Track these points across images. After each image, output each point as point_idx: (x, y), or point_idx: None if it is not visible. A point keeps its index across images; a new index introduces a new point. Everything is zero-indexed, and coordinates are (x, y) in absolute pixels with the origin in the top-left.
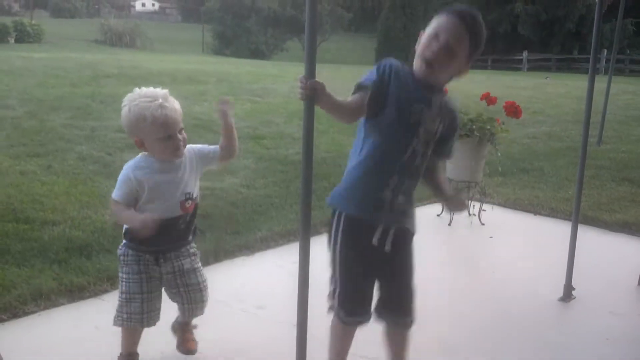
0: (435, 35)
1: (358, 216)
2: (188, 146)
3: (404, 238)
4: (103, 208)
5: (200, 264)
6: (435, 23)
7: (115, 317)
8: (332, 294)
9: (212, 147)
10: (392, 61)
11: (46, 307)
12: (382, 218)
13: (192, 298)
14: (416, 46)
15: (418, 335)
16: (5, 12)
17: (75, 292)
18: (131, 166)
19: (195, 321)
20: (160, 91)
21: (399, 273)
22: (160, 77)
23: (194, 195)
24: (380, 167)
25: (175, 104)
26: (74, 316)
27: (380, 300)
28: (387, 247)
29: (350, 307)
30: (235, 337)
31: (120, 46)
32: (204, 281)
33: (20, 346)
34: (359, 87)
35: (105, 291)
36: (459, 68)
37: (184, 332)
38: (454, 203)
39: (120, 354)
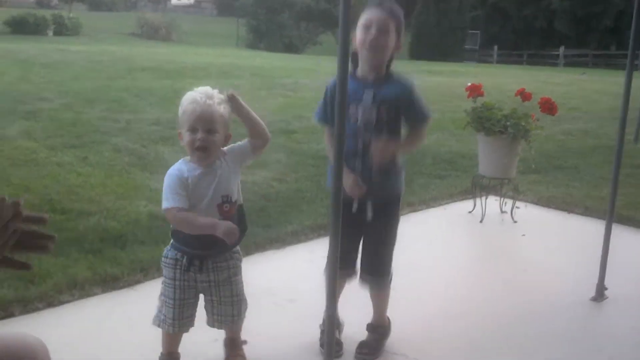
0: (366, 27)
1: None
2: (227, 150)
3: (380, 208)
4: (138, 199)
5: (239, 276)
6: (363, 17)
7: (154, 316)
8: None
9: (241, 142)
10: (331, 81)
11: (80, 297)
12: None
13: (221, 310)
14: (354, 45)
15: (446, 330)
16: (44, 5)
17: (109, 282)
18: (173, 168)
19: (245, 337)
20: (210, 90)
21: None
22: (194, 71)
23: (233, 199)
24: (346, 156)
25: (219, 107)
26: (108, 306)
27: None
28: (368, 216)
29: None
30: (266, 330)
31: (156, 39)
32: (238, 295)
33: (55, 335)
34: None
35: (138, 282)
36: (395, 47)
37: (231, 347)
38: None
39: (161, 353)
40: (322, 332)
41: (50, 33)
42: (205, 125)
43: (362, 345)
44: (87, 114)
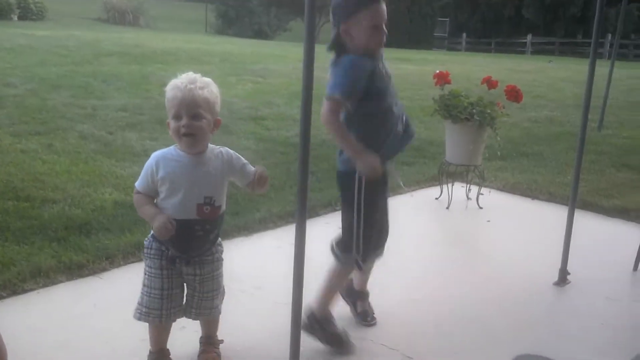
0: (377, 27)
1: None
2: (224, 150)
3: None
4: (103, 187)
5: (220, 270)
6: (368, 14)
7: (135, 310)
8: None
9: (246, 168)
10: (355, 59)
11: (45, 285)
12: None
13: (201, 304)
14: (345, 36)
15: (411, 316)
16: None
17: (75, 270)
18: (158, 154)
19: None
20: (192, 75)
21: None
22: (163, 57)
23: (216, 203)
24: (392, 125)
25: (201, 91)
26: (73, 294)
27: None
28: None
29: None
30: (233, 317)
31: (123, 24)
32: (218, 288)
33: (19, 323)
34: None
35: (104, 269)
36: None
37: (206, 344)
38: None
39: (150, 351)
40: (351, 303)
41: (15, 17)
42: (189, 110)
43: (365, 314)
44: (52, 100)
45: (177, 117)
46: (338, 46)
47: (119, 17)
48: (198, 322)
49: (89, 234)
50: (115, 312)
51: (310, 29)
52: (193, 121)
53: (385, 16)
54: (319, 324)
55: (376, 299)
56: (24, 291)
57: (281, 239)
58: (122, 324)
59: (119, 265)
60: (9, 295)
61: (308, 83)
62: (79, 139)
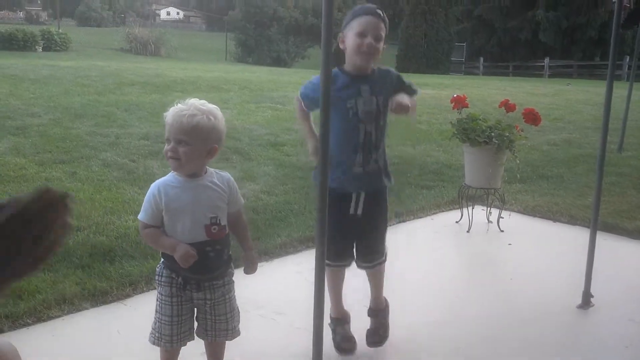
0: (363, 35)
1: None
2: (224, 174)
3: (374, 200)
4: (126, 214)
5: (232, 293)
6: (357, 23)
7: (150, 334)
8: None
9: (238, 200)
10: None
11: (70, 312)
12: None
13: (216, 327)
14: (342, 46)
15: (432, 339)
16: (33, 21)
17: (99, 297)
18: (158, 182)
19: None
20: (191, 101)
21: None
22: (183, 85)
23: (222, 222)
24: (343, 150)
25: (191, 118)
26: (97, 321)
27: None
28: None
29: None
30: (254, 342)
31: (145, 54)
32: (232, 311)
33: (45, 350)
34: (304, 97)
35: (128, 296)
36: (381, 50)
37: None
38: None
39: None
40: (333, 331)
41: (39, 49)
42: (175, 135)
43: (370, 334)
44: (76, 129)
45: (167, 140)
46: (336, 59)
47: (141, 48)
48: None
49: (112, 261)
50: (138, 337)
51: (327, 56)
52: (178, 146)
53: (377, 30)
54: (332, 324)
55: (394, 321)
56: (49, 318)
57: (301, 264)
58: (145, 350)
59: (142, 292)
60: (34, 323)
61: (326, 109)
62: (102, 167)
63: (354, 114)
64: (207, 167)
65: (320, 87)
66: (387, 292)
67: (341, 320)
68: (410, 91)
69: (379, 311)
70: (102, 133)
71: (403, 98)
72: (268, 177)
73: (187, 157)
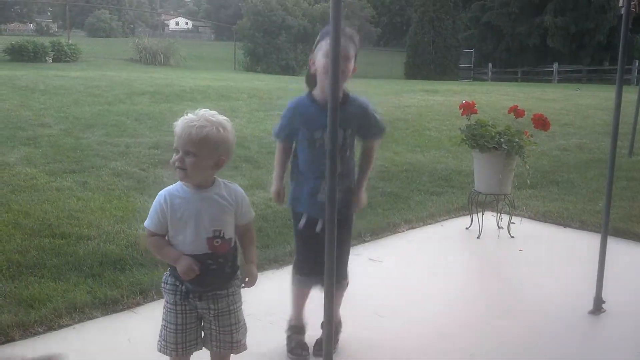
0: (329, 55)
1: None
2: (233, 186)
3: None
4: (137, 222)
5: (238, 304)
6: (325, 43)
7: (157, 342)
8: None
9: (247, 214)
10: (292, 104)
11: (80, 320)
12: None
13: (220, 339)
14: (312, 68)
15: (444, 347)
16: (43, 32)
17: (109, 305)
18: (164, 191)
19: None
20: (201, 112)
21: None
22: (192, 94)
23: (226, 236)
24: (309, 176)
25: (200, 129)
26: (108, 329)
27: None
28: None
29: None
30: (264, 350)
31: (154, 64)
32: (237, 323)
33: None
34: (276, 137)
35: (138, 304)
36: (351, 70)
37: None
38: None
39: None
40: (289, 337)
41: (50, 60)
42: (183, 146)
43: (319, 343)
44: (86, 139)
45: (175, 150)
46: (308, 81)
47: (150, 58)
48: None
49: (123, 270)
50: (148, 346)
51: (335, 63)
52: (185, 157)
53: (345, 51)
54: (289, 330)
55: (405, 328)
56: (60, 327)
57: None
58: (155, 358)
59: (152, 300)
60: (45, 331)
61: (334, 116)
62: (112, 177)
63: (320, 145)
64: (217, 177)
65: (328, 97)
66: (398, 298)
67: (299, 328)
68: (375, 131)
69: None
70: (113, 142)
71: (363, 199)
72: None
73: (193, 168)
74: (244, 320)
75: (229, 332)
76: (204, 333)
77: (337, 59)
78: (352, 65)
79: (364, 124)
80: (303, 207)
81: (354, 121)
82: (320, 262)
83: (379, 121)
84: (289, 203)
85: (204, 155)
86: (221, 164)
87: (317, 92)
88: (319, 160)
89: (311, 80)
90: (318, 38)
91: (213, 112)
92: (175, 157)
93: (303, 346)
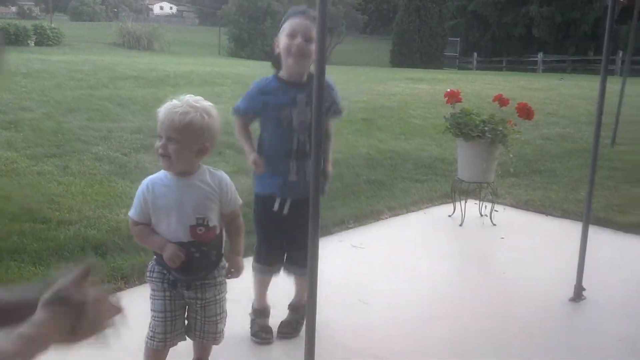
0: (292, 36)
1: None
2: (218, 173)
3: (304, 208)
4: (118, 207)
5: (224, 294)
6: (288, 24)
7: (146, 335)
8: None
9: (233, 201)
10: (258, 83)
11: None
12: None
13: (205, 329)
14: (277, 50)
15: (426, 333)
16: (26, 15)
17: None
18: (148, 179)
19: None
20: (184, 98)
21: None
22: (176, 79)
23: (210, 224)
24: (276, 156)
25: (183, 116)
26: None
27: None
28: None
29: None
30: (247, 333)
31: (137, 49)
32: (221, 313)
33: None
34: (236, 113)
35: (119, 290)
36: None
37: None
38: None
39: None
40: (253, 320)
41: (32, 43)
42: (166, 132)
43: (283, 325)
44: (68, 123)
45: (159, 137)
46: (274, 63)
47: (134, 42)
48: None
49: (104, 255)
50: (130, 331)
51: (321, 50)
52: (168, 143)
53: (308, 31)
54: (253, 314)
55: (388, 315)
56: None
57: None
58: (135, 344)
59: (134, 285)
60: None
61: (319, 101)
62: (94, 161)
63: (288, 124)
64: (202, 164)
65: (315, 83)
66: (381, 285)
67: (262, 312)
68: (337, 110)
69: (299, 307)
70: (95, 127)
71: (329, 174)
72: None
73: (176, 155)
74: (226, 309)
75: (214, 322)
76: (188, 322)
77: (323, 44)
78: (314, 46)
79: (329, 102)
80: (271, 189)
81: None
82: (281, 250)
83: (339, 103)
84: (253, 186)
85: (188, 142)
86: (205, 151)
87: (282, 73)
88: (286, 139)
89: (277, 63)
90: (282, 20)
91: (198, 97)
92: (158, 143)
93: (266, 329)
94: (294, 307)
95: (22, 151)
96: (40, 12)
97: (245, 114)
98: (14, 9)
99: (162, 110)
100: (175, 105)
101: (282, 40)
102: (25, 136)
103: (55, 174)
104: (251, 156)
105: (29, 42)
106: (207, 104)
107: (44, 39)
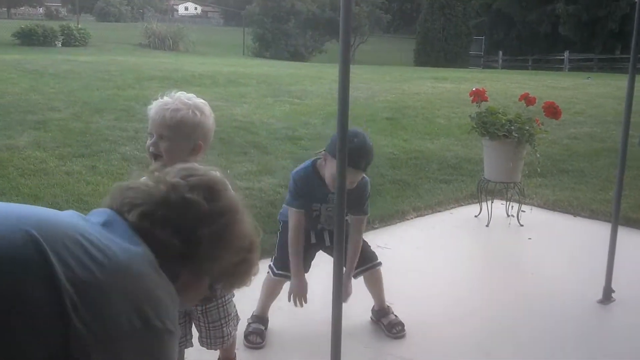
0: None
1: None
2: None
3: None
4: None
5: (229, 296)
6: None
7: None
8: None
9: None
10: (298, 177)
11: None
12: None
13: (210, 335)
14: (324, 161)
15: (453, 334)
16: (53, 16)
17: None
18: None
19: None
20: (178, 95)
21: None
22: (201, 80)
23: None
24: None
25: (175, 113)
26: None
27: None
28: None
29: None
30: (272, 334)
31: (163, 49)
32: (227, 316)
33: None
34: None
35: None
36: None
37: None
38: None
39: None
40: (249, 324)
41: (59, 44)
42: (158, 130)
43: (390, 326)
44: (96, 123)
45: (149, 134)
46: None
47: (159, 43)
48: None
49: None
50: None
51: (345, 49)
52: (160, 141)
53: (352, 178)
54: (251, 319)
55: (415, 315)
56: None
57: (319, 256)
58: None
59: None
60: None
61: (344, 103)
62: (121, 161)
63: (316, 216)
64: (197, 164)
65: (339, 84)
66: (406, 285)
67: (261, 318)
68: (362, 211)
69: (383, 308)
70: (122, 127)
71: (348, 288)
72: (286, 170)
73: (168, 154)
74: (236, 311)
75: (218, 326)
76: (197, 330)
77: (347, 44)
78: (355, 184)
79: (357, 201)
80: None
81: (353, 199)
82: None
83: (367, 203)
84: (282, 216)
85: (179, 140)
86: (199, 149)
87: (322, 170)
88: (312, 227)
89: (321, 167)
90: (331, 145)
91: (190, 94)
92: (149, 141)
93: (260, 334)
94: (379, 312)
95: (51, 151)
96: (67, 13)
97: (301, 207)
98: (41, 10)
99: (153, 107)
100: (167, 102)
101: (328, 169)
102: (53, 136)
103: (84, 174)
104: (295, 281)
105: (56, 42)
106: (199, 100)
107: (71, 40)
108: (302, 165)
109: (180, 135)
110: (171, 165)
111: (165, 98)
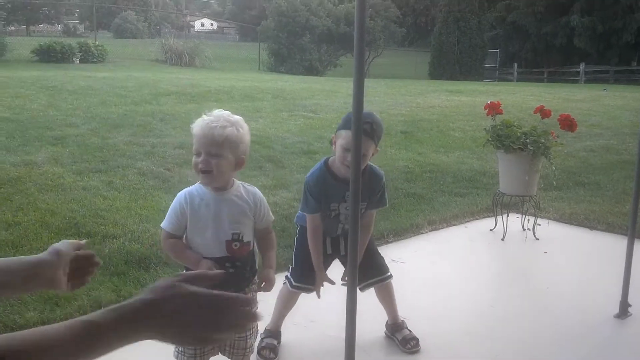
0: (347, 150)
1: None
2: (251, 189)
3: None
4: (161, 222)
5: (255, 308)
6: (345, 134)
7: (174, 349)
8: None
9: (267, 217)
10: (310, 179)
11: None
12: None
13: (235, 345)
14: (332, 146)
15: (470, 349)
16: (71, 33)
17: None
18: (184, 191)
19: None
20: (219, 113)
21: None
22: (217, 95)
23: (245, 239)
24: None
25: (222, 130)
26: None
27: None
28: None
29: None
30: (285, 350)
31: (179, 65)
32: (251, 329)
33: None
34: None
35: None
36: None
37: None
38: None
39: None
40: (262, 339)
41: (77, 60)
42: (207, 148)
43: (405, 341)
44: (113, 139)
45: (197, 153)
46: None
47: (176, 59)
48: None
49: (147, 269)
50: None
51: (359, 64)
52: (210, 158)
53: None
54: (264, 333)
55: (430, 330)
56: None
57: (334, 272)
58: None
59: None
60: None
61: (358, 117)
62: (138, 176)
63: (335, 215)
64: (235, 180)
65: (353, 98)
66: (421, 299)
67: (274, 333)
68: (380, 204)
69: (397, 323)
70: (139, 142)
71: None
72: (301, 184)
73: (219, 170)
74: (257, 324)
75: (244, 338)
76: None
77: (361, 58)
78: (368, 157)
79: (374, 194)
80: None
81: (369, 192)
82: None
83: (386, 195)
84: (299, 220)
85: (228, 156)
86: (242, 163)
87: (335, 166)
88: (332, 227)
89: (333, 162)
90: (342, 122)
91: (227, 112)
92: (197, 159)
93: (273, 349)
94: (393, 327)
95: (68, 166)
96: (85, 30)
97: (316, 211)
98: (59, 27)
99: (198, 126)
100: (212, 120)
101: (338, 146)
102: (71, 152)
103: (101, 189)
104: (318, 278)
105: (74, 59)
106: (238, 117)
107: (89, 56)
108: (314, 167)
109: (228, 151)
110: (220, 181)
111: (209, 116)
